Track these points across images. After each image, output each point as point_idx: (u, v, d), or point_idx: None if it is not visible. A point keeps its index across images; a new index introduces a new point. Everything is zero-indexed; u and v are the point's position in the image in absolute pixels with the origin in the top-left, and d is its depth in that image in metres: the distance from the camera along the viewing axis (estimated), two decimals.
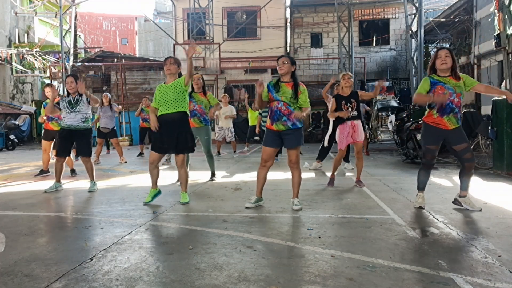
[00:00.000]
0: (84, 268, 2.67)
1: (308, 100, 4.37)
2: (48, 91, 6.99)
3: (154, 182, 4.82)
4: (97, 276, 2.53)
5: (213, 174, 6.62)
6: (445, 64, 4.09)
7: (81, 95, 5.65)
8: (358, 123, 5.74)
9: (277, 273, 2.57)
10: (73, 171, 7.31)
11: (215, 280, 2.45)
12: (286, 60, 4.33)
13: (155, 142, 4.74)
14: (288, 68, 4.32)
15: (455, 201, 4.40)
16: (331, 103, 5.94)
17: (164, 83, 4.80)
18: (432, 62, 4.21)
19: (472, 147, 8.03)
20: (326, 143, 7.67)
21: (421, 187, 4.44)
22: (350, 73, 5.87)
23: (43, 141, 7.32)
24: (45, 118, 7.22)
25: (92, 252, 2.99)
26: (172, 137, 4.62)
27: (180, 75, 4.82)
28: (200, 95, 6.32)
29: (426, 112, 4.30)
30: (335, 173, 5.93)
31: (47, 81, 19.34)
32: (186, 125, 4.73)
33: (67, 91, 5.69)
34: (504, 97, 7.00)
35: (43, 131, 7.42)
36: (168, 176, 6.86)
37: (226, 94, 11.14)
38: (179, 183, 6.31)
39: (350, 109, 5.65)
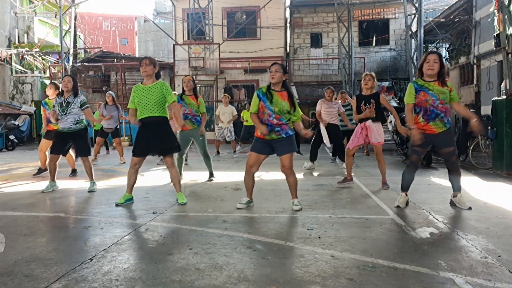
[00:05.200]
0: (84, 268, 2.67)
1: (299, 109, 4.41)
2: (49, 89, 6.92)
3: (130, 187, 4.77)
4: (97, 276, 2.53)
5: (211, 174, 6.61)
6: (431, 70, 4.11)
7: (75, 96, 5.57)
8: (372, 124, 5.67)
9: (277, 273, 2.57)
10: (74, 171, 7.29)
11: (215, 281, 2.45)
12: (278, 69, 4.25)
13: (138, 146, 4.66)
14: (280, 77, 4.26)
15: (451, 202, 4.49)
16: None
17: (141, 83, 4.70)
18: (421, 64, 4.21)
19: (472, 147, 8.07)
20: (327, 144, 7.77)
21: (404, 188, 4.48)
22: (372, 74, 5.77)
23: (43, 139, 7.22)
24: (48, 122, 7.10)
25: (92, 252, 2.99)
26: (157, 139, 4.59)
27: (157, 75, 4.72)
28: (191, 98, 6.22)
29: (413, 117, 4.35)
30: (351, 174, 5.92)
31: (47, 82, 19.33)
32: (168, 127, 4.73)
33: (62, 90, 5.66)
34: (504, 97, 7.02)
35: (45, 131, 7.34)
36: (165, 176, 6.86)
37: (226, 94, 11.12)
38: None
39: (368, 109, 5.64)
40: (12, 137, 15.29)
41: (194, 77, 17.51)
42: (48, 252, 3.01)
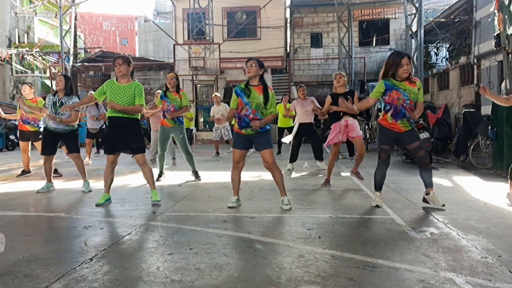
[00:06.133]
0: (84, 268, 2.67)
1: (275, 105, 4.43)
2: (24, 90, 6.99)
3: (108, 187, 4.78)
4: (97, 276, 2.53)
5: (195, 173, 6.62)
6: (406, 73, 4.17)
7: (68, 97, 5.55)
8: (353, 121, 5.83)
9: (277, 273, 2.57)
10: (55, 171, 7.24)
11: (215, 280, 2.45)
12: (254, 63, 4.32)
13: (107, 143, 4.65)
14: (256, 71, 4.31)
15: (423, 200, 4.52)
16: (326, 101, 6.01)
17: (116, 80, 4.66)
18: (394, 68, 4.18)
19: (472, 147, 8.07)
20: (285, 141, 7.76)
21: (378, 187, 4.54)
22: (342, 73, 5.96)
23: (20, 142, 7.31)
24: (21, 114, 7.11)
25: (92, 252, 2.99)
26: (125, 138, 4.56)
27: (132, 73, 4.70)
28: (174, 94, 6.26)
29: (381, 114, 4.41)
30: (330, 175, 5.96)
31: (47, 81, 19.34)
32: (137, 127, 4.71)
33: (56, 90, 5.66)
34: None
35: (18, 132, 7.38)
36: (167, 177, 6.87)
37: (217, 94, 11.06)
38: (178, 184, 6.33)
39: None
40: (12, 137, 15.27)
41: (193, 77, 17.42)
42: (48, 252, 3.01)
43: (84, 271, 2.62)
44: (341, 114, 5.78)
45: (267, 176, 6.62)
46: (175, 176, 7.02)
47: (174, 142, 7.16)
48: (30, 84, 7.07)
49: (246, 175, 6.98)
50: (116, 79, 4.68)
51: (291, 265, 2.71)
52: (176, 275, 2.54)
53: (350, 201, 4.81)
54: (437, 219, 3.87)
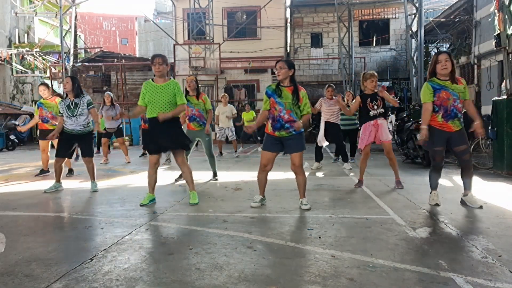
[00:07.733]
0: (85, 268, 2.67)
1: (309, 105, 4.37)
2: (43, 90, 7.05)
3: (152, 187, 4.71)
4: (98, 276, 2.53)
5: (215, 174, 6.62)
6: (445, 69, 4.14)
7: (79, 98, 5.55)
8: (383, 122, 5.63)
9: (277, 273, 2.57)
10: (70, 171, 7.30)
11: (215, 280, 2.45)
12: (283, 65, 4.26)
13: (149, 144, 4.64)
14: (286, 73, 4.26)
15: (461, 201, 4.50)
16: (354, 101, 5.86)
17: (152, 80, 4.62)
18: (433, 66, 4.22)
19: (472, 147, 8.07)
20: (321, 144, 7.72)
21: (433, 187, 4.55)
22: (374, 73, 5.77)
23: (40, 141, 7.35)
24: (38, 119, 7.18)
25: (92, 252, 2.99)
26: (167, 136, 4.54)
27: (168, 74, 4.69)
28: (195, 98, 6.23)
29: (431, 116, 4.32)
30: (363, 176, 5.82)
31: (48, 81, 19.35)
32: (178, 124, 4.70)
33: (65, 93, 5.67)
34: (504, 97, 7.02)
35: (38, 131, 7.41)
36: (167, 176, 6.87)
37: (225, 94, 11.10)
38: (177, 183, 6.33)
39: (376, 106, 5.58)
40: (12, 137, 15.30)
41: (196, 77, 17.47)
42: (49, 252, 3.01)
43: (84, 271, 2.62)
44: (370, 115, 5.61)
45: (268, 176, 6.63)
46: (176, 176, 7.01)
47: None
48: (46, 84, 7.14)
49: (247, 175, 6.98)
50: (152, 80, 4.63)
51: (291, 265, 2.70)
52: (176, 275, 2.54)
53: (350, 201, 4.81)
54: (437, 219, 3.87)
